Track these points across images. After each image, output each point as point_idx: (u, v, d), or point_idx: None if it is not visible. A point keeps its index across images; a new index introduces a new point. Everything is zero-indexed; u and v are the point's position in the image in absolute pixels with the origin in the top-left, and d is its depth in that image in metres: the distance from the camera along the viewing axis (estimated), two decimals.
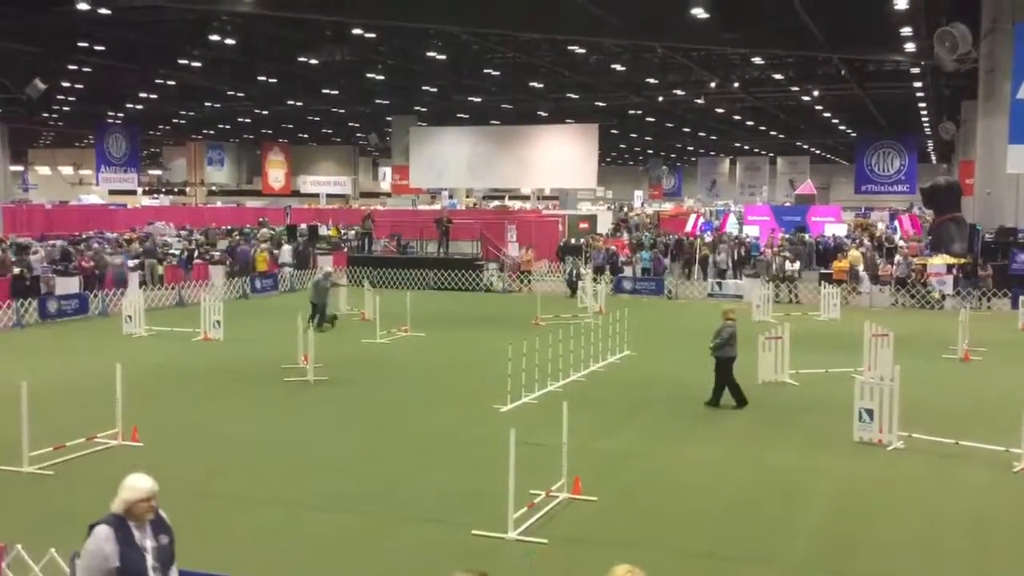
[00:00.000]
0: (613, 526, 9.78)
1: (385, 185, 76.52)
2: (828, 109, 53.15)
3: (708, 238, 42.43)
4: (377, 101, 51.63)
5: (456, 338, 22.82)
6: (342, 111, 58.27)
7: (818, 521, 10.10)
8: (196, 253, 36.69)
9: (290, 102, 52.63)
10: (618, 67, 40.62)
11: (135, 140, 57.36)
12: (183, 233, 46.81)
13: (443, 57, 39.31)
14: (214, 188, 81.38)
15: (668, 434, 13.75)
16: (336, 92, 49.28)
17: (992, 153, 30.77)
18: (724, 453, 12.58)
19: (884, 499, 10.71)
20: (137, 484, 5.32)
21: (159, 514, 5.43)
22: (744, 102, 50.13)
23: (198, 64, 40.24)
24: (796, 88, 44.46)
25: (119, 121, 55.68)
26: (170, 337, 22.34)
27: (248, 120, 65.35)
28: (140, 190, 73.46)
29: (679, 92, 46.07)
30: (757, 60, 40.41)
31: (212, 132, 75.13)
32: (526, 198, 75.63)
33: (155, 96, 49.38)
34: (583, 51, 39.15)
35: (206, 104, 54.75)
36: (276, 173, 77.89)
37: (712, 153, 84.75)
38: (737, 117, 58.70)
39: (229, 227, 50.64)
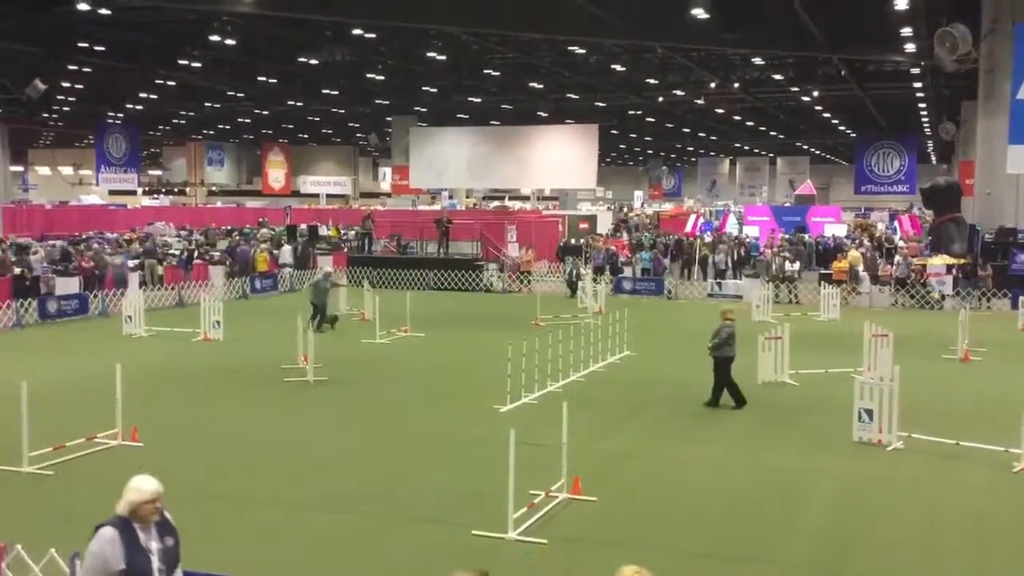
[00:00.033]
0: (613, 526, 9.79)
1: (385, 185, 76.55)
2: (828, 109, 53.16)
3: (708, 238, 42.44)
4: (377, 101, 51.64)
5: (456, 338, 22.82)
6: (342, 111, 58.28)
7: (818, 521, 10.11)
8: (196, 253, 36.69)
9: (290, 102, 52.65)
10: (618, 67, 40.63)
11: (135, 140, 57.37)
12: (183, 233, 46.82)
13: (443, 57, 39.31)
14: (214, 188, 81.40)
15: (668, 434, 13.75)
16: (336, 92, 49.28)
17: (992, 153, 30.77)
18: (724, 453, 12.58)
19: (884, 499, 10.71)
20: (142, 486, 5.30)
21: (164, 516, 5.42)
22: (744, 102, 50.15)
23: (198, 64, 40.25)
24: (796, 88, 44.48)
25: (119, 121, 55.69)
26: (170, 337, 22.34)
27: (248, 120, 65.37)
28: (140, 190, 73.48)
29: (679, 92, 46.09)
30: (757, 60, 40.43)
31: (212, 132, 75.16)
32: (526, 198, 75.64)
33: (155, 96, 49.39)
34: (583, 51, 39.17)
35: (206, 104, 54.77)
36: (276, 173, 77.90)
37: (712, 153, 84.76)
38: (737, 117, 58.72)
39: (229, 227, 50.63)
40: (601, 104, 50.77)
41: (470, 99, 48.68)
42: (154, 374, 17.41)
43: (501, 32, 33.85)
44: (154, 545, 5.31)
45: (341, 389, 16.58)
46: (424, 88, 47.32)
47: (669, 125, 64.89)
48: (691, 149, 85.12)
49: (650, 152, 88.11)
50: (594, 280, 30.08)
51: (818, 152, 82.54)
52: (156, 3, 29.02)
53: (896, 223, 54.79)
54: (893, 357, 16.32)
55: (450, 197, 58.85)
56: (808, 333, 22.20)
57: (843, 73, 39.77)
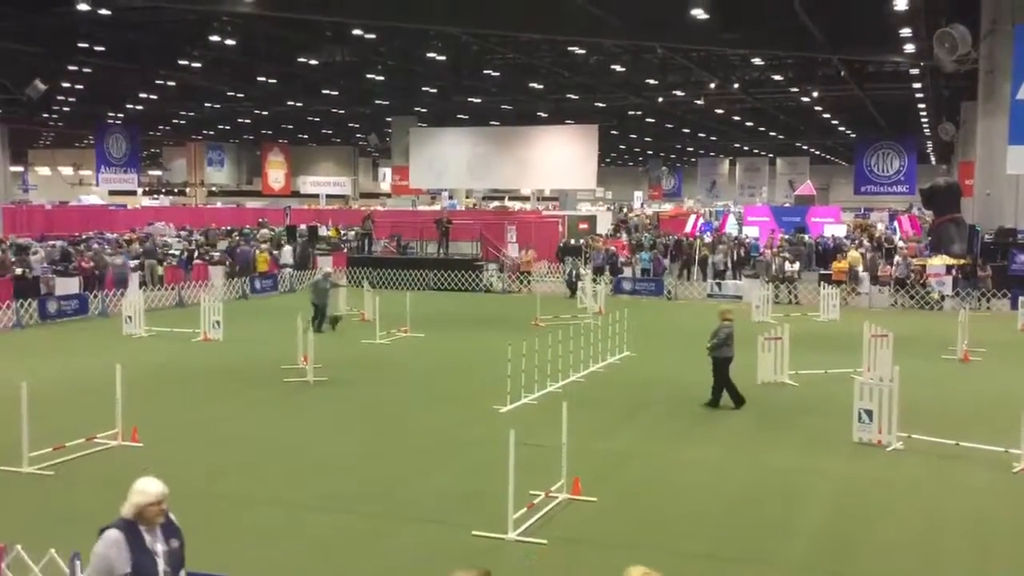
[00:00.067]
0: (613, 527, 9.79)
1: (385, 186, 76.55)
2: (828, 110, 53.16)
3: (708, 239, 42.43)
4: (377, 102, 51.65)
5: (456, 339, 22.82)
6: (342, 112, 58.29)
7: (818, 522, 10.11)
8: (196, 254, 36.69)
9: (290, 103, 52.66)
10: (618, 68, 40.65)
11: (135, 140, 57.35)
12: (183, 234, 46.80)
13: (443, 58, 39.32)
14: (214, 189, 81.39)
15: (667, 435, 13.76)
16: (336, 93, 49.29)
17: (992, 154, 30.77)
18: (723, 454, 12.59)
19: (884, 500, 10.71)
20: (147, 488, 5.28)
21: (169, 517, 5.40)
22: (744, 103, 50.17)
23: (198, 65, 40.24)
24: (796, 89, 44.49)
25: (119, 122, 55.69)
26: (170, 338, 22.34)
27: (248, 121, 65.38)
28: (140, 191, 73.46)
29: (679, 93, 46.11)
30: (757, 61, 40.43)
31: (212, 133, 75.16)
32: (526, 199, 75.62)
33: (155, 97, 49.40)
34: (583, 52, 39.17)
35: (206, 105, 54.77)
36: (276, 174, 77.89)
37: (712, 154, 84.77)
38: (737, 118, 58.73)
39: (229, 228, 50.62)
40: (601, 104, 50.78)
41: (470, 99, 48.69)
42: (154, 374, 17.41)
43: (501, 33, 33.85)
44: (160, 547, 5.29)
45: (341, 389, 16.58)
46: (424, 88, 47.33)
47: (669, 125, 64.91)
48: (691, 149, 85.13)
49: (650, 152, 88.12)
50: (594, 280, 30.09)
51: (818, 152, 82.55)
52: (156, 3, 29.02)
53: (896, 223, 54.81)
54: (893, 357, 16.32)
55: (450, 197, 58.84)
56: (808, 333, 22.20)
57: (843, 74, 39.78)
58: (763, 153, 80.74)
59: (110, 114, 55.02)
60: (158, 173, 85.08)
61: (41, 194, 73.94)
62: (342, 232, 47.74)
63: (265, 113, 59.19)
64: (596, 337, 18.96)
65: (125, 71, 41.84)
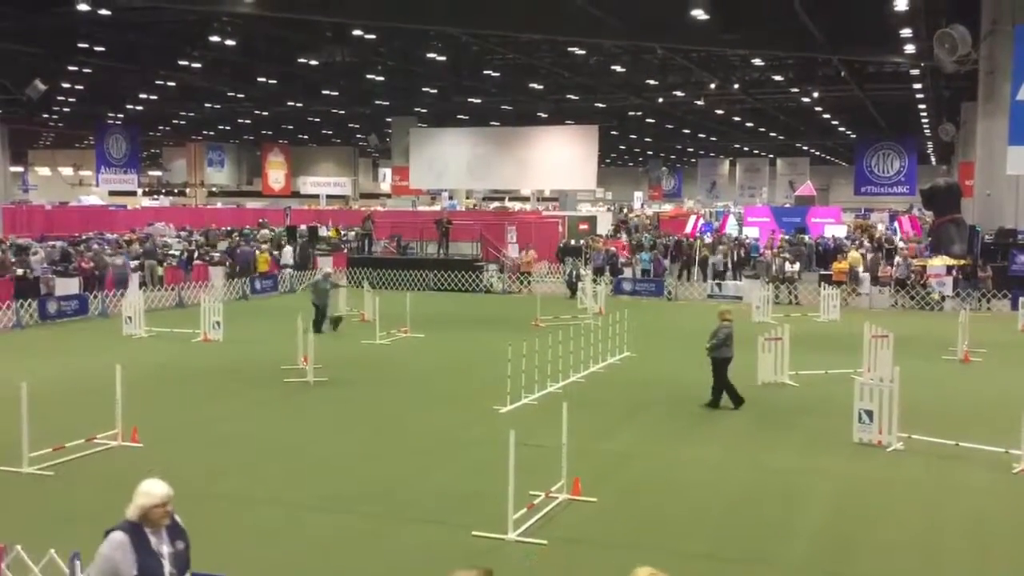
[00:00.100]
0: (613, 527, 9.79)
1: (385, 186, 76.55)
2: (828, 110, 53.17)
3: (708, 239, 42.44)
4: (377, 102, 51.65)
5: (456, 339, 22.82)
6: (342, 112, 58.28)
7: (818, 522, 10.10)
8: (196, 254, 36.70)
9: (290, 103, 52.67)
10: (618, 68, 40.65)
11: (135, 141, 57.35)
12: (183, 234, 46.80)
13: (443, 58, 39.33)
14: (214, 189, 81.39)
15: (668, 435, 13.75)
16: (336, 93, 49.30)
17: (992, 155, 30.77)
18: (724, 454, 12.58)
19: (884, 500, 10.71)
20: (152, 489, 5.27)
21: (174, 519, 5.39)
22: (744, 103, 50.17)
23: (198, 65, 40.26)
24: (796, 89, 44.49)
25: (119, 122, 55.69)
26: (170, 338, 22.34)
27: (248, 121, 65.39)
28: (140, 191, 73.49)
29: (679, 93, 46.11)
30: (757, 61, 40.44)
31: (212, 133, 75.16)
32: (526, 199, 75.64)
33: (155, 97, 49.40)
34: (583, 52, 39.17)
35: (206, 105, 54.78)
36: (276, 174, 77.90)
37: (712, 154, 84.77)
38: (737, 118, 58.73)
39: (229, 228, 50.64)
40: (601, 105, 50.79)
41: (470, 100, 48.69)
42: (154, 375, 17.41)
43: (501, 33, 33.85)
44: (165, 549, 5.28)
45: (341, 390, 16.57)
46: (424, 89, 47.33)
47: (669, 126, 64.92)
48: (691, 150, 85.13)
49: (650, 153, 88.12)
50: (594, 281, 30.09)
51: (818, 153, 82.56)
52: (156, 3, 29.02)
53: (896, 224, 54.81)
54: (893, 358, 16.32)
55: (450, 198, 58.87)
56: (808, 334, 22.20)
57: (843, 74, 39.78)
58: (763, 154, 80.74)
59: (110, 114, 55.03)
60: (158, 173, 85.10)
61: (41, 194, 73.94)
62: (342, 232, 47.76)
63: (265, 113, 59.20)
64: (596, 337, 18.96)
65: (125, 71, 41.84)
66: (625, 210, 76.91)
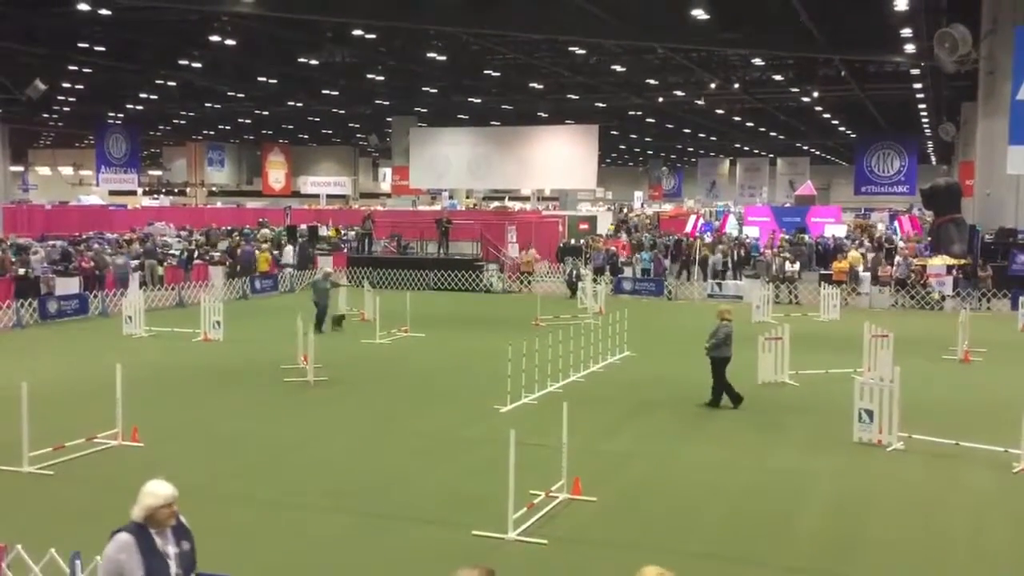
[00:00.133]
0: (613, 527, 9.79)
1: (385, 186, 76.55)
2: (828, 110, 53.19)
3: (708, 239, 42.42)
4: (377, 102, 51.67)
5: (456, 338, 22.82)
6: (342, 112, 58.29)
7: (818, 522, 10.11)
8: (196, 254, 36.70)
9: (290, 103, 52.67)
10: (618, 68, 40.65)
11: (135, 140, 57.39)
12: (183, 234, 46.80)
13: (443, 58, 39.31)
14: (214, 189, 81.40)
15: (668, 435, 13.75)
16: (336, 93, 49.30)
17: (992, 154, 30.77)
18: (724, 454, 12.58)
19: (884, 500, 10.71)
20: (158, 490, 5.26)
21: (179, 520, 5.39)
22: (744, 103, 50.18)
23: (198, 65, 40.27)
24: (796, 89, 44.49)
25: (119, 122, 55.71)
26: (170, 338, 22.34)
27: (248, 121, 65.39)
28: (140, 191, 73.42)
29: (679, 93, 46.13)
30: (757, 61, 40.43)
31: (212, 133, 75.19)
32: (526, 199, 75.61)
33: (155, 97, 49.42)
34: (583, 52, 39.16)
35: (206, 105, 54.76)
36: (276, 174, 77.92)
37: (712, 154, 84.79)
38: (737, 118, 58.72)
39: (229, 228, 50.64)
40: (601, 104, 50.79)
41: (470, 99, 48.71)
42: (154, 374, 17.40)
43: (501, 33, 33.85)
44: (171, 550, 5.27)
45: (341, 389, 16.58)
46: (424, 88, 47.33)
47: (669, 126, 64.91)
48: (691, 150, 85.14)
49: (650, 153, 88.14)
50: (594, 280, 30.09)
51: (818, 153, 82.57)
52: (156, 3, 29.03)
53: (896, 224, 54.78)
54: (893, 358, 16.31)
55: (450, 197, 58.82)
56: (808, 334, 22.20)
57: (843, 74, 39.79)
58: (763, 153, 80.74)
59: (110, 114, 55.04)
60: (158, 173, 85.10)
61: (41, 194, 73.95)
62: (342, 232, 47.76)
63: (265, 113, 59.20)
64: (596, 337, 18.97)
65: (125, 71, 41.83)
66: (625, 210, 76.91)
